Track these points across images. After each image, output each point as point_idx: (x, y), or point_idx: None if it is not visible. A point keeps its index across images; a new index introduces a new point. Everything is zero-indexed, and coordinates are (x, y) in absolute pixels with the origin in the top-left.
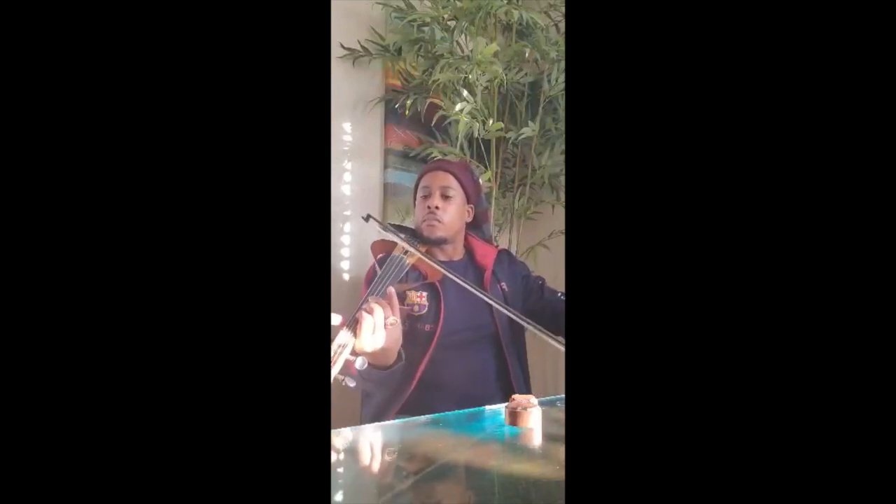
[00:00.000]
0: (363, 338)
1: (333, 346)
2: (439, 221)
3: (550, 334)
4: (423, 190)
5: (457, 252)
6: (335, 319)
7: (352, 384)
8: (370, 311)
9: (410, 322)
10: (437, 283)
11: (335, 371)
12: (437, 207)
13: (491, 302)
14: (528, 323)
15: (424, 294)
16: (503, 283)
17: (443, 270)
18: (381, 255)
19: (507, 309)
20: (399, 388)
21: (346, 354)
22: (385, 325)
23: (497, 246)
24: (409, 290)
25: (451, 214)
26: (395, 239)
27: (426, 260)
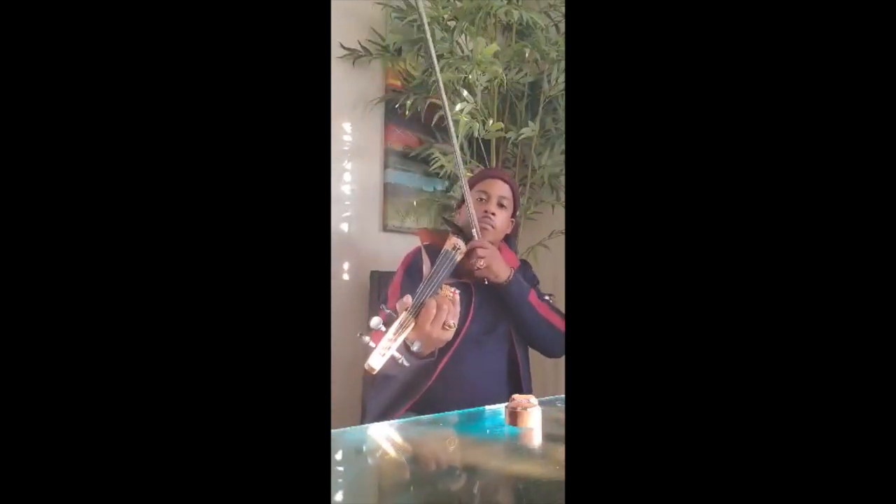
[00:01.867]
0: (422, 325)
1: (397, 323)
2: (493, 227)
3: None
4: (481, 194)
5: None
6: (408, 301)
7: (407, 364)
8: (440, 306)
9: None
10: (472, 285)
11: (394, 348)
12: (493, 213)
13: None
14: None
15: (457, 291)
16: None
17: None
18: (427, 243)
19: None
20: (412, 385)
21: (405, 335)
22: (446, 324)
23: (520, 258)
24: (447, 284)
25: (502, 223)
26: (473, 222)
27: (501, 250)
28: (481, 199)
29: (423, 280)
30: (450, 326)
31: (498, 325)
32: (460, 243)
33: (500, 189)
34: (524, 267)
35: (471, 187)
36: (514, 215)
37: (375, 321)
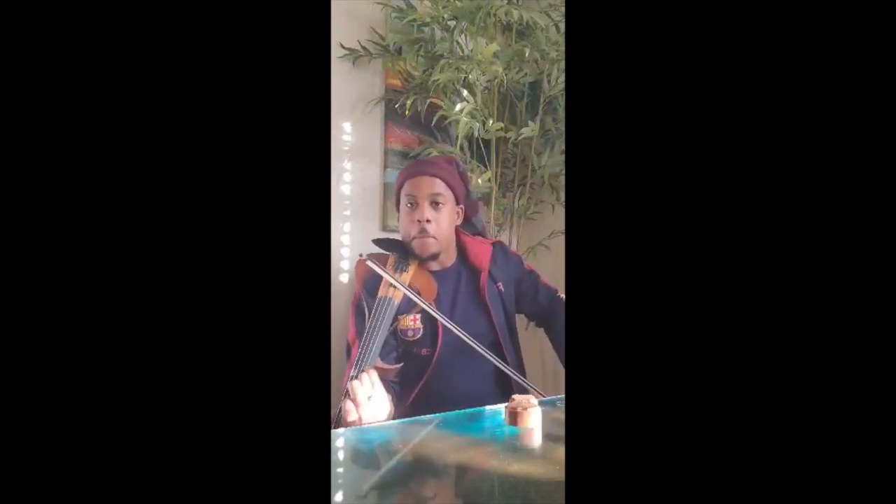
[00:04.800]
0: (348, 422)
1: None
2: (433, 238)
3: (508, 367)
4: (409, 199)
5: (449, 257)
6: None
7: None
8: (353, 397)
9: (405, 347)
10: (432, 302)
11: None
12: (427, 221)
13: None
14: (481, 348)
15: (418, 317)
16: (499, 284)
17: (434, 312)
18: (367, 278)
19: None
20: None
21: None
22: (365, 399)
23: (491, 239)
24: (402, 315)
25: (444, 225)
26: (383, 274)
27: (413, 297)
28: (410, 205)
29: (360, 342)
30: (367, 399)
31: (482, 335)
32: (395, 279)
33: (429, 186)
34: (501, 248)
35: (398, 189)
36: (461, 201)
37: None
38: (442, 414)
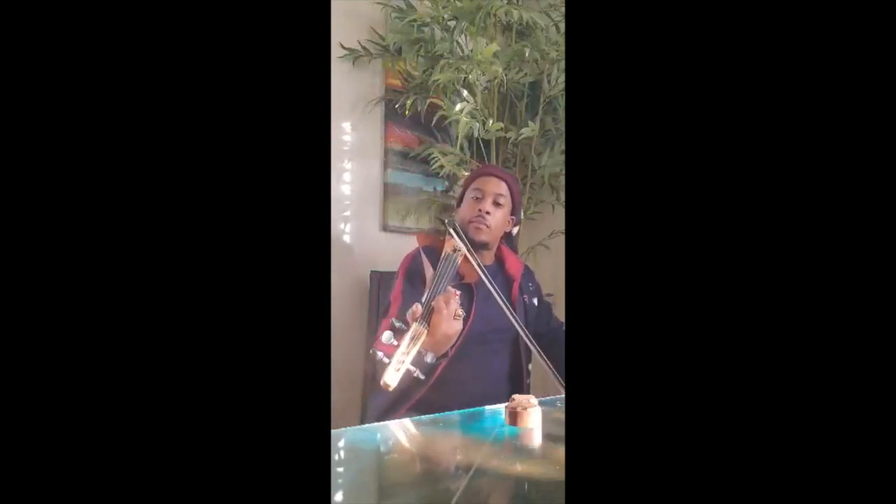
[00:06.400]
0: (435, 328)
1: (409, 335)
2: (487, 226)
3: (553, 369)
4: (476, 192)
5: (490, 258)
6: (418, 310)
7: (423, 376)
8: (447, 301)
9: None
10: (473, 285)
11: (408, 361)
12: (487, 212)
13: (514, 321)
14: (537, 350)
15: (459, 293)
16: (526, 297)
17: (484, 276)
18: (425, 245)
19: (522, 328)
20: (412, 385)
21: (418, 346)
22: (456, 315)
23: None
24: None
25: (498, 221)
26: (457, 241)
27: (471, 260)
28: (476, 198)
29: (427, 286)
30: (459, 316)
31: (506, 330)
32: (459, 244)
33: (496, 186)
34: (528, 270)
35: (467, 185)
36: (514, 212)
37: (387, 336)
38: (442, 414)
